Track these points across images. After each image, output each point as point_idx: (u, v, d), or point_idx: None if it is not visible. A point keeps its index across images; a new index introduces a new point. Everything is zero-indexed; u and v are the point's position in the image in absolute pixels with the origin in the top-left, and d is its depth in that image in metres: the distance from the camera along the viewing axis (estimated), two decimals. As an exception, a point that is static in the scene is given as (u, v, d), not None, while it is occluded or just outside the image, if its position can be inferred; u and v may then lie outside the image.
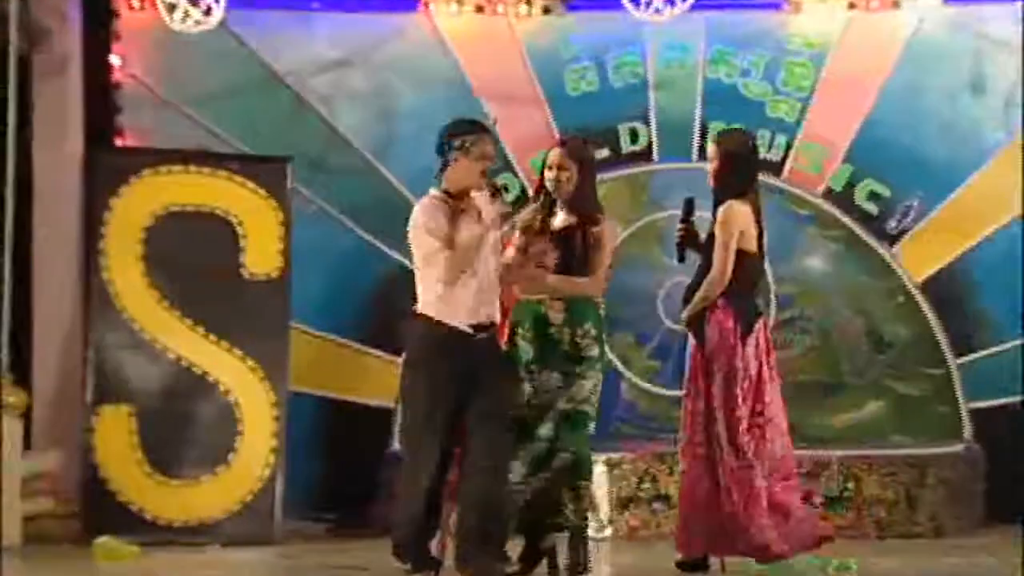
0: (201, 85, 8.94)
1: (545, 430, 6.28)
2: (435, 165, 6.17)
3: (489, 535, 6.00)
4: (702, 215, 6.73)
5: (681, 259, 6.73)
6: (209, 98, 8.94)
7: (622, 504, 8.19)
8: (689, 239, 6.67)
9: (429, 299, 6.00)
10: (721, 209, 6.49)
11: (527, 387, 6.29)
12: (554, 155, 6.43)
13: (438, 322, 5.97)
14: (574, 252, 6.33)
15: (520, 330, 6.35)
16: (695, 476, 6.55)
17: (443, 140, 6.06)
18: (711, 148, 6.65)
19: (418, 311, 6.03)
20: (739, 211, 6.47)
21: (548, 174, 6.43)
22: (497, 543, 6.05)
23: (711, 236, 6.57)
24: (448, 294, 5.95)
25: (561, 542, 6.43)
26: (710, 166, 6.60)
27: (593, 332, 6.29)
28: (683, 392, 6.69)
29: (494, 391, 6.05)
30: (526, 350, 6.33)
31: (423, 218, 6.01)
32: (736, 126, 7.28)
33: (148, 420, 8.17)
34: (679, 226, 6.69)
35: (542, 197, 6.44)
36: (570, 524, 6.33)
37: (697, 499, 6.53)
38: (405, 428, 6.18)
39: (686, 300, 6.65)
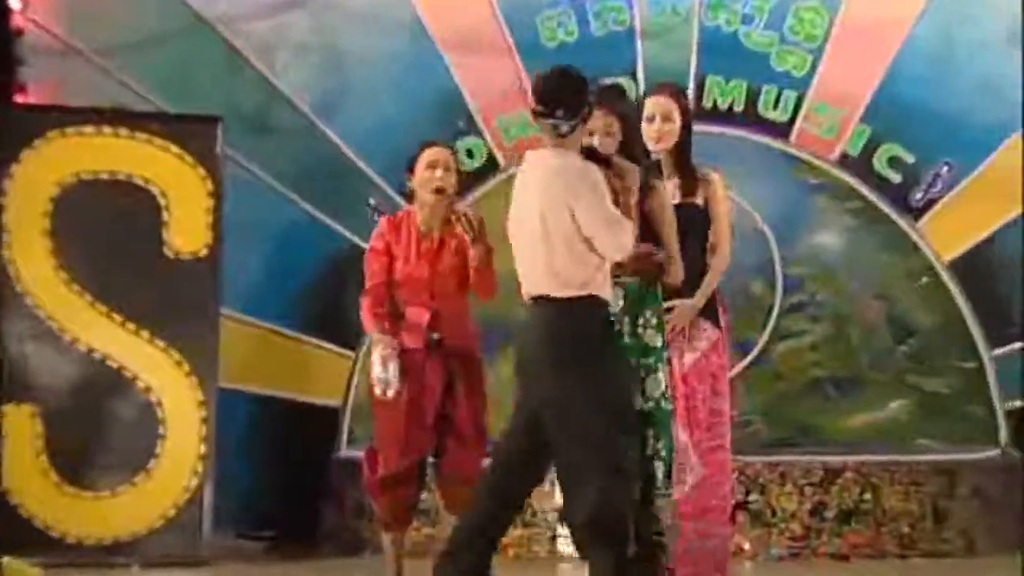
0: (116, 32, 8.89)
1: None
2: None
3: None
4: None
5: None
6: (126, 47, 8.88)
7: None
8: None
9: (591, 276, 5.79)
10: (714, 181, 6.42)
11: None
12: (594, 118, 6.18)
13: (606, 303, 5.85)
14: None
15: None
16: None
17: (584, 97, 5.75)
18: (668, 103, 6.39)
19: (585, 293, 5.78)
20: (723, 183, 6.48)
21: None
22: None
23: (689, 208, 6.36)
24: (604, 271, 5.82)
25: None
26: (664, 126, 6.34)
27: (655, 321, 6.14)
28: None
29: None
30: None
31: (595, 180, 5.75)
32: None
33: (55, 422, 8.16)
34: None
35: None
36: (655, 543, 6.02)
37: None
38: (622, 428, 5.83)
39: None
